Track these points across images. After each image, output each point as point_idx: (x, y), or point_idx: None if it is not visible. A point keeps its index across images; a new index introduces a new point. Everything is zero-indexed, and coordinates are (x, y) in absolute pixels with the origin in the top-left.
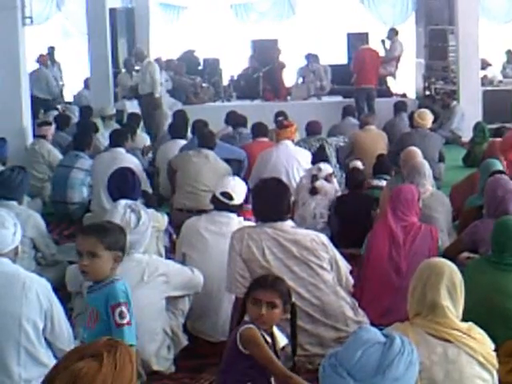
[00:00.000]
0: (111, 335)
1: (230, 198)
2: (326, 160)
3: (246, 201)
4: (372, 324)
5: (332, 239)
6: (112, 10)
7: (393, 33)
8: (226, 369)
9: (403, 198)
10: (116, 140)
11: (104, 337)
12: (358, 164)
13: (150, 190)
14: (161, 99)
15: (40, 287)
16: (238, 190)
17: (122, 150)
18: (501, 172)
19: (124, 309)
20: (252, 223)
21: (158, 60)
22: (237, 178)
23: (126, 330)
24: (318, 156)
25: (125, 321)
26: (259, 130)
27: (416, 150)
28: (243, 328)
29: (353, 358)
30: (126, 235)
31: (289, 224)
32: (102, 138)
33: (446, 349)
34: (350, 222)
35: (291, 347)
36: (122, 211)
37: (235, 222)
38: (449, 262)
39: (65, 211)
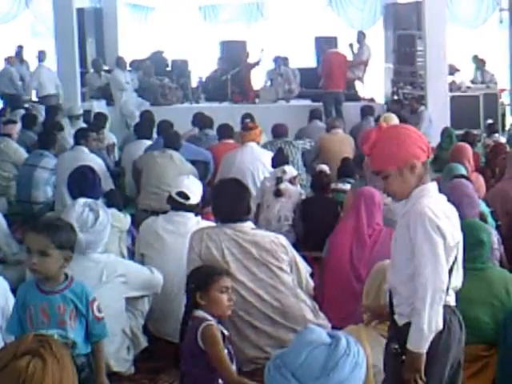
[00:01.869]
0: (90, 329)
1: (187, 197)
2: (286, 163)
3: (205, 202)
4: (333, 327)
5: (297, 242)
6: (80, 10)
7: (361, 36)
8: (191, 369)
9: (377, 201)
10: (79, 139)
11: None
12: (325, 168)
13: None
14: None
15: None
16: (194, 189)
17: (85, 149)
18: (462, 176)
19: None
20: (210, 223)
21: (120, 59)
22: (191, 177)
23: (105, 323)
24: (277, 159)
25: (102, 314)
26: (225, 131)
27: None
28: (204, 325)
29: (297, 359)
30: (76, 234)
31: (248, 225)
32: (70, 137)
33: None
34: (316, 225)
35: None
36: (79, 210)
37: (193, 221)
38: None
39: (30, 211)
